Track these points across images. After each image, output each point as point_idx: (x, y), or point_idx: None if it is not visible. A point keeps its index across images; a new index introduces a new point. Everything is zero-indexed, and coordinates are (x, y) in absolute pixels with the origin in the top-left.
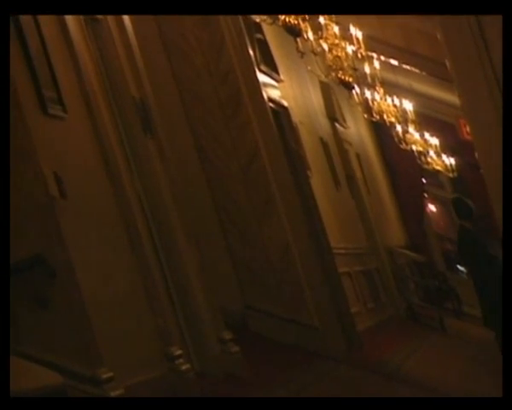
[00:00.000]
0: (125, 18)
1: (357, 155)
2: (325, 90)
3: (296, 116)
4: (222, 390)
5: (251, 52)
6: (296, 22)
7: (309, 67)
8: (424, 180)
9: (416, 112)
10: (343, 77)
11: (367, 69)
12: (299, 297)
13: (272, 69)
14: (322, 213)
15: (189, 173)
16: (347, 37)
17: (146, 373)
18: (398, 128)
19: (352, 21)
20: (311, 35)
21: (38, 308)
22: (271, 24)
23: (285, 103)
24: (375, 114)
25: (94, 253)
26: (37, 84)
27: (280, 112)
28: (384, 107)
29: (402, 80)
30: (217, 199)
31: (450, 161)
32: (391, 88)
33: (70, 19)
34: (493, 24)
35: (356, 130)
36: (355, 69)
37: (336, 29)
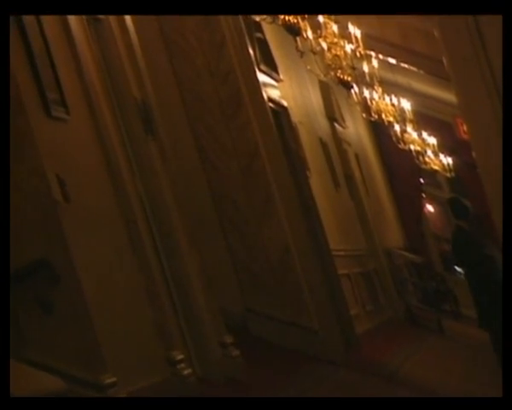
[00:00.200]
0: (127, 18)
1: (356, 156)
2: (324, 89)
3: (296, 116)
4: (223, 395)
5: (251, 52)
6: (296, 21)
7: (308, 67)
8: (422, 180)
9: (413, 111)
10: (342, 76)
11: (365, 68)
12: (298, 299)
13: (272, 69)
14: (322, 214)
15: (189, 174)
16: (346, 35)
17: (148, 378)
18: (397, 128)
19: (351, 20)
20: (310, 34)
21: (42, 313)
22: (271, 23)
23: (285, 103)
24: (373, 114)
25: (97, 256)
26: (41, 85)
27: (279, 112)
28: (382, 106)
29: (400, 79)
30: (217, 200)
31: (447, 160)
32: (389, 87)
33: (72, 19)
34: (490, 23)
35: (354, 130)
36: (353, 68)
37: (335, 27)
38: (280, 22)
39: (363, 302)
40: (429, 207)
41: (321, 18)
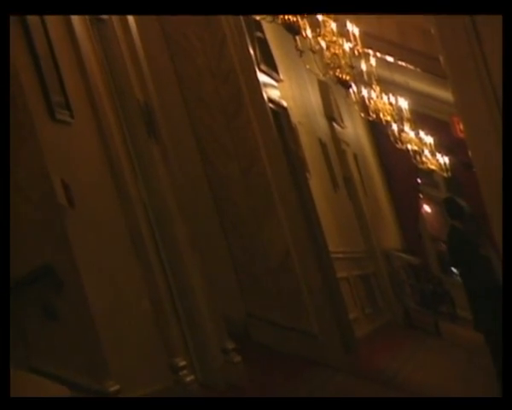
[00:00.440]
0: (129, 18)
1: (355, 156)
2: (323, 89)
3: (295, 116)
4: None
5: (251, 51)
6: (295, 19)
7: (307, 66)
8: (419, 180)
9: (410, 110)
10: (340, 75)
11: (363, 66)
12: (298, 304)
13: (272, 69)
14: (321, 216)
15: (191, 177)
16: (344, 33)
17: (152, 386)
18: (394, 127)
19: (349, 18)
20: (309, 32)
21: (46, 319)
22: (271, 22)
23: (284, 104)
24: (371, 113)
25: (101, 262)
26: (45, 88)
27: (279, 112)
28: (380, 105)
29: (397, 77)
30: (218, 202)
31: (444, 160)
32: (386, 85)
33: (76, 20)
34: (487, 22)
35: (353, 129)
36: (352, 67)
37: (334, 26)
38: (279, 21)
39: (362, 306)
40: (426, 208)
41: (320, 16)
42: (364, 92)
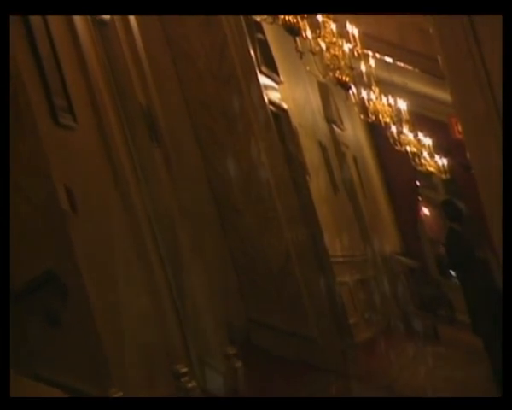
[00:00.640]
0: (131, 18)
1: (354, 158)
2: (323, 91)
3: (295, 119)
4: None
5: (252, 53)
6: (295, 20)
7: (308, 68)
8: (418, 183)
9: (409, 111)
10: (340, 77)
11: (363, 68)
12: (299, 308)
13: (273, 70)
14: (321, 219)
15: (193, 180)
16: (344, 34)
17: (154, 392)
18: (393, 129)
19: (349, 18)
20: (309, 33)
21: (49, 326)
22: (272, 23)
23: (285, 106)
24: (370, 115)
25: (103, 268)
26: (48, 90)
27: (280, 115)
28: (379, 106)
29: (396, 78)
30: (219, 205)
31: (442, 161)
32: (385, 86)
33: (78, 21)
34: (486, 22)
35: (352, 131)
36: (351, 68)
37: (333, 27)
38: (280, 22)
39: (361, 310)
40: (425, 210)
41: (319, 16)
42: (364, 94)
